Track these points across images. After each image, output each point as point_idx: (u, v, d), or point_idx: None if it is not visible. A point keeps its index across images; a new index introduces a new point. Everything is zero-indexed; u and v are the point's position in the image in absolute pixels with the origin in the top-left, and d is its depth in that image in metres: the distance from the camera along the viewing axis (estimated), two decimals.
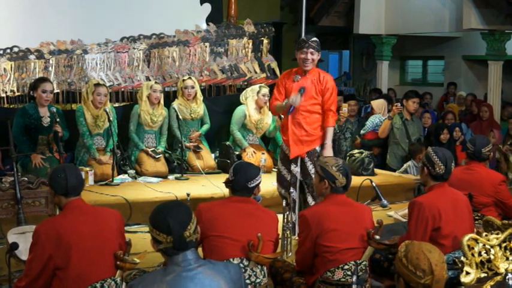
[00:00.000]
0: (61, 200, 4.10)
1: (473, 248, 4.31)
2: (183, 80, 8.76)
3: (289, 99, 6.09)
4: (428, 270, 3.42)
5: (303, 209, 6.06)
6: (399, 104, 9.31)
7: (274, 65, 10.11)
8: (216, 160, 8.86)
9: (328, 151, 6.24)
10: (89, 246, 3.92)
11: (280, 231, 4.94)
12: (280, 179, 6.38)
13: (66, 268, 3.87)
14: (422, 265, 3.43)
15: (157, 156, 8.24)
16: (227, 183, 4.58)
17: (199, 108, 8.80)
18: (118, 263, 4.00)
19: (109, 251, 4.00)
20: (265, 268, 4.42)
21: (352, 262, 4.50)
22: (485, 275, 4.30)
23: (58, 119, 7.26)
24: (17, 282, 4.09)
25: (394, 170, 9.20)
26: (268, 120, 9.03)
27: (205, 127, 8.95)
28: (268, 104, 8.67)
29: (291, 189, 6.26)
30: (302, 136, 6.20)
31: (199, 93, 8.83)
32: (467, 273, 4.23)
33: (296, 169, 6.23)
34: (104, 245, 3.98)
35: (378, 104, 10.11)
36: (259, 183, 4.57)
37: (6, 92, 8.29)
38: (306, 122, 6.20)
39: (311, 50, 6.12)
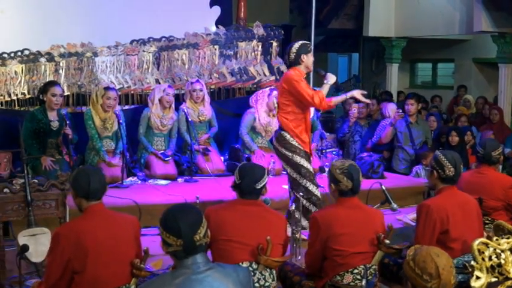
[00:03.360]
0: (82, 202, 4.09)
1: (483, 253, 4.28)
2: (191, 83, 8.78)
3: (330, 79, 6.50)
4: (435, 274, 3.41)
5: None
6: (401, 111, 9.27)
7: (283, 67, 10.10)
8: (225, 163, 8.87)
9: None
10: (105, 252, 3.91)
11: None
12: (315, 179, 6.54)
13: (83, 272, 3.87)
14: (429, 269, 3.42)
15: (166, 159, 8.26)
16: (234, 187, 4.58)
17: (207, 110, 8.81)
18: (134, 271, 4.00)
19: (125, 258, 3.99)
20: (274, 272, 4.41)
21: (362, 266, 4.49)
22: (496, 279, 4.27)
23: (68, 122, 7.28)
24: (37, 286, 4.11)
25: (398, 173, 9.19)
26: (277, 123, 9.01)
27: (213, 130, 8.96)
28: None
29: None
30: None
31: (207, 96, 8.84)
32: (478, 277, 4.21)
33: None
34: (121, 251, 3.98)
35: (390, 108, 10.08)
36: (266, 183, 4.57)
37: (17, 95, 8.34)
38: None
39: None
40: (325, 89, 6.44)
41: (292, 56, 6.39)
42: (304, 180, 6.40)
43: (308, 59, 6.40)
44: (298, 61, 6.37)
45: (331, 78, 6.48)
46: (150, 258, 4.18)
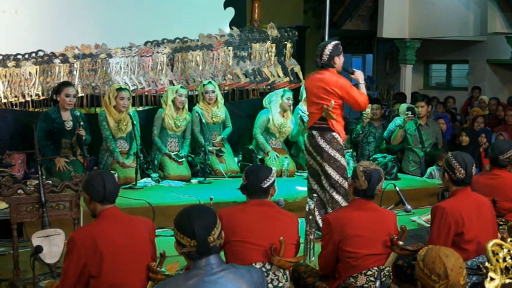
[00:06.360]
0: (96, 206, 4.04)
1: (497, 254, 4.27)
2: (204, 85, 8.78)
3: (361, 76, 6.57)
4: (443, 275, 3.42)
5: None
6: (410, 113, 9.21)
7: (297, 69, 10.11)
8: (239, 164, 8.87)
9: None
10: (122, 256, 3.87)
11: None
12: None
13: (99, 277, 3.83)
14: (437, 269, 3.43)
15: (180, 160, 8.26)
16: (242, 188, 4.58)
17: (220, 112, 8.81)
18: (151, 274, 3.96)
19: (142, 261, 3.96)
20: (287, 272, 4.41)
21: (375, 268, 4.47)
22: (510, 280, 4.26)
23: (82, 123, 7.31)
24: (51, 287, 4.11)
25: (408, 175, 9.15)
26: (290, 124, 9.02)
27: (227, 131, 8.97)
28: (291, 107, 8.86)
29: None
30: None
31: (220, 97, 8.84)
32: (492, 279, 4.20)
33: None
34: (137, 255, 3.94)
35: (403, 107, 10.07)
36: (273, 182, 4.54)
37: (31, 96, 8.36)
38: None
39: None
40: (364, 89, 6.48)
41: (325, 58, 6.30)
42: (346, 183, 6.27)
43: (340, 61, 6.35)
44: (331, 63, 6.29)
45: (361, 76, 6.51)
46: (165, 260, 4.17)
